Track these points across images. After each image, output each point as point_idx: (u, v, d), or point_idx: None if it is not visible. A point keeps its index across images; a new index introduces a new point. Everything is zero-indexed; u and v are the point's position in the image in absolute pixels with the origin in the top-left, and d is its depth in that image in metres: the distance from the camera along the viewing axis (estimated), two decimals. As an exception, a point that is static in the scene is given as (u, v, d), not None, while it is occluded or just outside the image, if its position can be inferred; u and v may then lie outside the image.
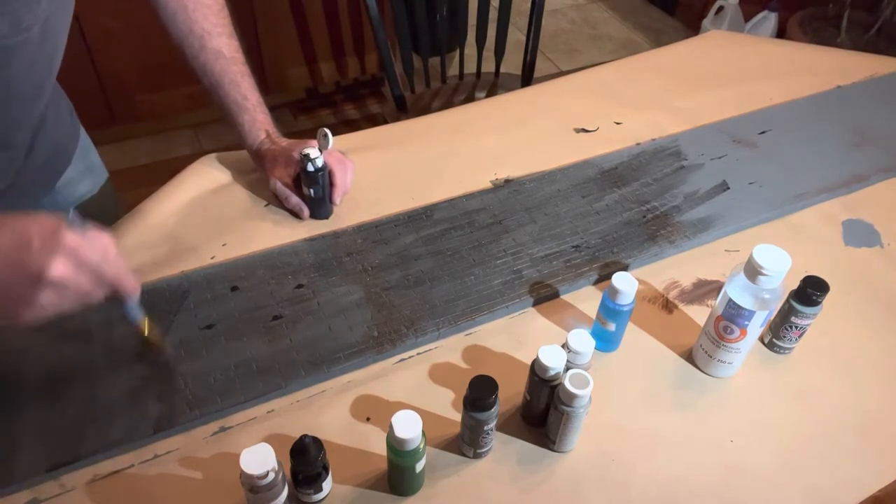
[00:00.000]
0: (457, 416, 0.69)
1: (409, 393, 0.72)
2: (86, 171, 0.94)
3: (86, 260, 0.57)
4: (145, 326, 0.70)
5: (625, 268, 0.86)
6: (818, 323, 0.75)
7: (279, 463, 0.57)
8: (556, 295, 0.82)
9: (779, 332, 0.76)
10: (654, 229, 0.91)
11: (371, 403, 0.71)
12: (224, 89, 0.88)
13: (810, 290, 0.72)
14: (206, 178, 0.96)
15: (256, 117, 0.90)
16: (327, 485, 0.62)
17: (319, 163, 0.85)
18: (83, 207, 0.93)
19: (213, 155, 1.00)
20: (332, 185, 0.89)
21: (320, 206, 0.90)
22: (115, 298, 0.62)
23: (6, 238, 0.54)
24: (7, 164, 0.77)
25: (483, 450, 0.66)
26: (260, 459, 0.56)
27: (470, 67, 1.81)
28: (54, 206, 0.91)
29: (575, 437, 0.66)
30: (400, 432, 0.57)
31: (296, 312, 0.78)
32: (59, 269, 0.55)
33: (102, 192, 0.97)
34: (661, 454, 0.68)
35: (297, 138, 0.93)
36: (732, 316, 0.68)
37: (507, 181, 0.98)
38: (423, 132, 1.10)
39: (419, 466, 0.61)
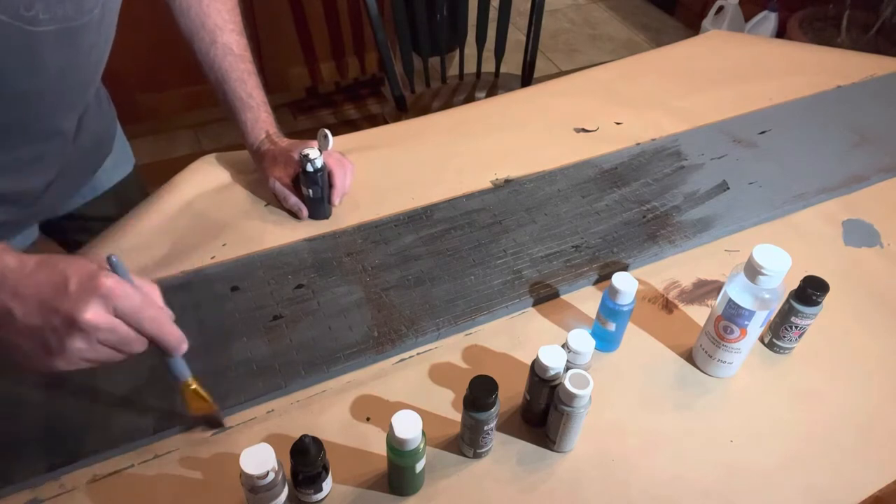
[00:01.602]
0: (457, 416, 0.69)
1: (409, 393, 0.72)
2: (120, 158, 0.97)
3: (123, 307, 0.52)
4: (191, 386, 0.61)
5: (625, 268, 0.86)
6: (818, 323, 0.75)
7: (279, 463, 0.57)
8: (556, 295, 0.82)
9: (779, 332, 0.76)
10: (654, 229, 0.91)
11: (371, 403, 0.71)
12: (230, 85, 0.88)
13: (810, 290, 0.72)
14: (206, 178, 0.96)
15: (259, 116, 0.91)
16: (327, 485, 0.62)
17: (319, 163, 0.85)
18: (115, 193, 0.96)
19: (213, 155, 1.00)
20: (331, 185, 0.89)
21: (319, 206, 0.90)
22: (158, 353, 0.57)
23: (42, 278, 0.52)
24: (58, 150, 0.77)
25: (483, 450, 0.66)
26: (260, 459, 0.56)
27: (470, 67, 1.81)
28: (93, 193, 0.94)
29: (575, 437, 0.66)
30: (400, 432, 0.57)
31: (296, 312, 0.78)
32: (92, 313, 0.51)
33: (133, 179, 1.00)
34: (661, 454, 0.68)
35: (297, 138, 0.93)
36: (732, 316, 0.68)
37: (507, 181, 0.98)
38: (423, 132, 1.10)
39: (419, 466, 0.61)
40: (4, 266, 0.51)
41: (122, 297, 0.52)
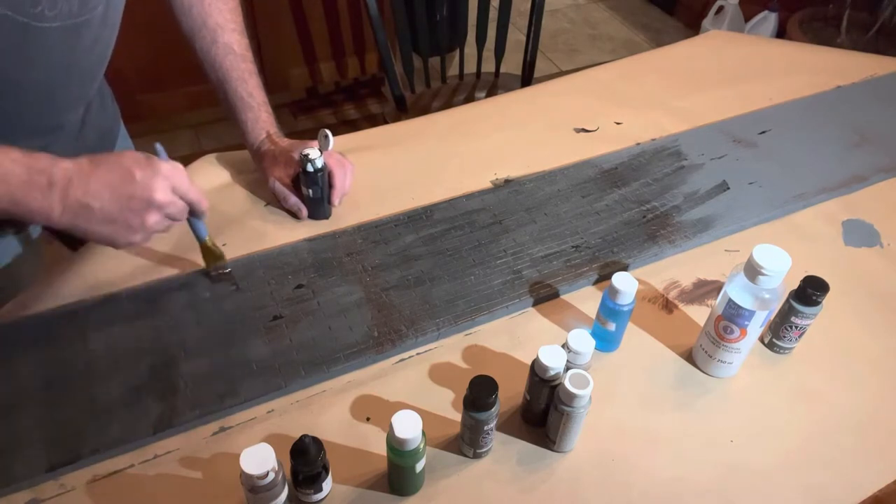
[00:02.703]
0: (457, 416, 0.69)
1: (409, 393, 0.72)
2: (122, 148, 0.98)
3: (178, 184, 0.66)
4: (208, 244, 0.78)
5: (625, 268, 0.86)
6: (818, 323, 0.75)
7: (279, 463, 0.57)
8: (556, 295, 0.82)
9: (779, 332, 0.76)
10: (654, 229, 0.91)
11: (371, 403, 0.71)
12: (231, 85, 0.88)
13: (810, 290, 0.72)
14: (206, 178, 0.96)
15: (260, 116, 0.91)
16: (327, 485, 0.62)
17: (319, 163, 0.85)
18: None
19: (213, 155, 1.00)
20: (331, 186, 0.89)
21: (319, 206, 0.90)
22: (191, 217, 0.72)
23: (107, 174, 0.62)
24: (62, 146, 0.78)
25: (483, 450, 0.66)
26: (260, 459, 0.56)
27: (470, 67, 1.81)
28: None
29: (575, 437, 0.66)
30: (400, 432, 0.57)
31: (296, 312, 0.78)
32: (161, 193, 0.64)
33: None
34: (662, 454, 0.68)
35: (297, 138, 0.93)
36: (732, 316, 0.68)
37: (507, 181, 0.98)
38: (423, 132, 1.10)
39: (419, 466, 0.61)
40: (66, 169, 0.61)
41: (176, 176, 0.66)
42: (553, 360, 0.63)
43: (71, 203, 0.61)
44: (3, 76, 0.65)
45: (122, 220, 0.63)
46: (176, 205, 0.67)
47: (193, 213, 0.72)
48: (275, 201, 0.93)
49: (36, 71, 0.67)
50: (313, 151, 0.84)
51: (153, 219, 0.65)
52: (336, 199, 0.90)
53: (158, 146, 0.68)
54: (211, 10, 0.87)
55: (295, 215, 0.91)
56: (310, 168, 0.85)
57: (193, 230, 0.76)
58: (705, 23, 2.72)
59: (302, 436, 0.58)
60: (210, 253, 0.79)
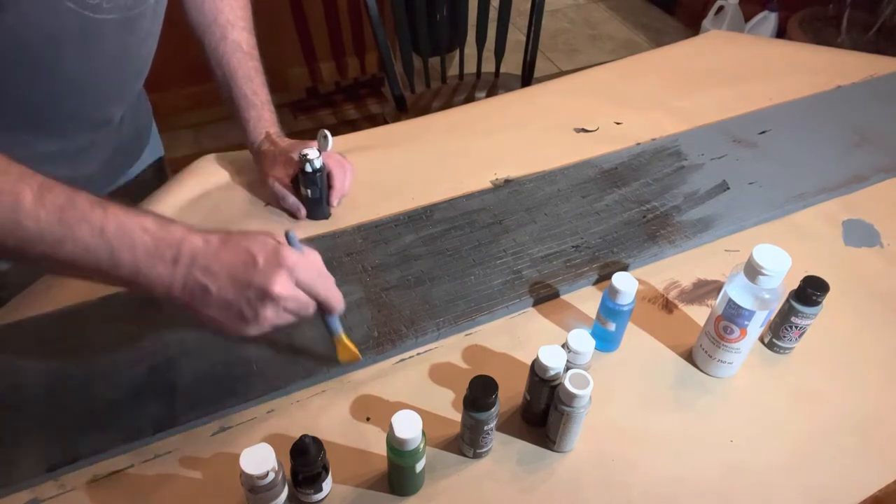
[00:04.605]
0: (457, 416, 0.69)
1: (409, 393, 0.72)
2: (154, 145, 1.01)
3: (303, 277, 0.60)
4: (343, 339, 0.70)
5: (625, 268, 0.86)
6: (818, 323, 0.75)
7: (279, 463, 0.57)
8: (556, 295, 0.82)
9: (779, 332, 0.76)
10: (654, 229, 0.91)
11: (371, 403, 0.71)
12: (236, 82, 0.89)
13: (810, 290, 0.72)
14: (207, 178, 0.96)
15: (263, 115, 0.91)
16: (327, 485, 0.62)
17: (318, 164, 0.85)
18: (140, 181, 0.98)
19: (213, 155, 1.00)
20: (330, 187, 0.89)
21: (318, 207, 0.90)
22: (322, 312, 0.65)
23: (230, 256, 0.57)
24: (106, 140, 0.81)
25: (483, 450, 0.66)
26: (260, 459, 0.56)
27: (470, 67, 1.81)
28: (135, 177, 0.98)
29: (575, 437, 0.66)
30: (400, 432, 0.57)
31: (296, 312, 0.78)
32: (280, 286, 0.57)
33: (160, 166, 1.04)
34: (661, 454, 0.68)
35: (297, 138, 0.93)
36: (732, 316, 0.68)
37: (507, 181, 0.98)
38: (423, 132, 1.10)
39: (419, 466, 0.61)
40: (194, 246, 0.57)
41: (302, 268, 0.59)
42: (553, 360, 0.63)
43: (190, 282, 0.57)
44: (62, 68, 0.66)
45: (235, 308, 0.58)
46: (298, 300, 0.60)
47: (324, 309, 0.65)
48: (275, 201, 0.93)
49: (90, 63, 0.68)
50: (312, 152, 0.84)
51: (268, 312, 0.58)
52: (335, 200, 0.90)
53: (291, 233, 0.63)
54: (222, 7, 0.88)
55: (294, 215, 0.91)
56: (308, 168, 0.85)
57: (325, 325, 0.69)
58: (705, 23, 2.72)
59: (302, 436, 0.58)
60: (345, 349, 0.71)
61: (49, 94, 0.69)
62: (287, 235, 0.63)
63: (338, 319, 0.69)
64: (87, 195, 0.55)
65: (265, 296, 0.57)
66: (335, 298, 0.64)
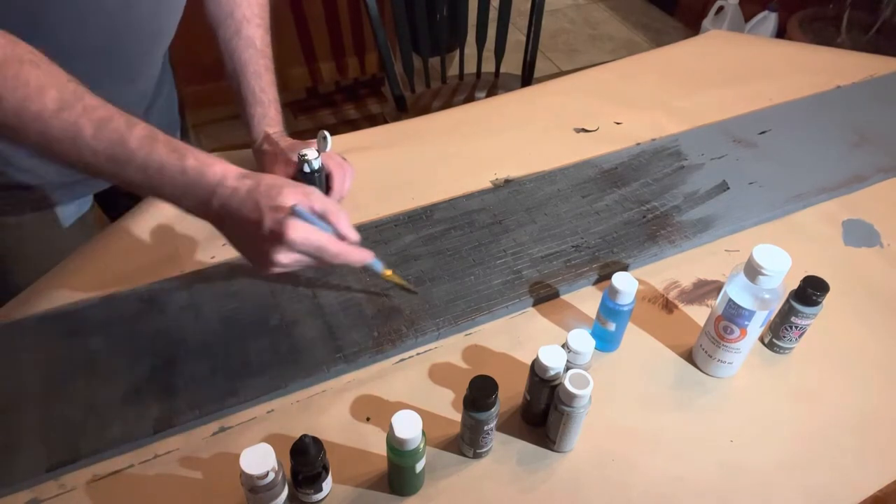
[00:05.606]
0: (457, 416, 0.69)
1: (409, 393, 0.72)
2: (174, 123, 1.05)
3: (305, 250, 0.63)
4: (389, 275, 0.76)
5: (625, 268, 0.86)
6: (818, 323, 0.75)
7: (279, 463, 0.57)
8: (556, 295, 0.82)
9: (779, 332, 0.76)
10: (654, 229, 0.91)
11: (371, 403, 0.71)
12: (245, 77, 0.89)
13: (810, 290, 0.72)
14: (206, 178, 0.96)
15: (268, 112, 0.91)
16: (327, 485, 0.62)
17: (316, 164, 0.84)
18: None
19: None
20: (329, 189, 0.89)
21: (318, 206, 0.89)
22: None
23: (243, 207, 0.61)
24: (139, 99, 0.83)
25: (483, 450, 0.66)
26: (260, 459, 0.56)
27: (470, 67, 1.81)
28: None
29: (575, 437, 0.66)
30: (400, 432, 0.57)
31: (296, 312, 0.78)
32: (282, 255, 0.62)
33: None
34: (661, 454, 0.68)
35: (297, 138, 0.93)
36: (732, 316, 0.68)
37: (507, 181, 0.98)
38: (423, 132, 1.10)
39: (419, 466, 0.61)
40: (223, 193, 0.62)
41: (303, 243, 0.61)
42: (553, 360, 0.63)
43: (219, 220, 0.63)
44: (60, 40, 0.67)
45: (252, 255, 0.64)
46: (303, 263, 0.64)
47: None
48: (275, 201, 0.92)
49: (127, 10, 0.70)
50: (311, 152, 0.84)
51: (280, 259, 0.62)
52: None
53: (297, 208, 0.62)
54: (240, 1, 0.88)
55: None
56: (306, 169, 0.84)
57: (368, 267, 0.73)
58: (705, 23, 2.72)
59: (302, 436, 0.58)
60: (395, 283, 0.79)
61: (91, 37, 0.71)
62: (293, 210, 0.62)
63: (376, 262, 0.72)
64: (139, 132, 0.61)
65: (271, 253, 0.62)
66: (355, 260, 0.67)
